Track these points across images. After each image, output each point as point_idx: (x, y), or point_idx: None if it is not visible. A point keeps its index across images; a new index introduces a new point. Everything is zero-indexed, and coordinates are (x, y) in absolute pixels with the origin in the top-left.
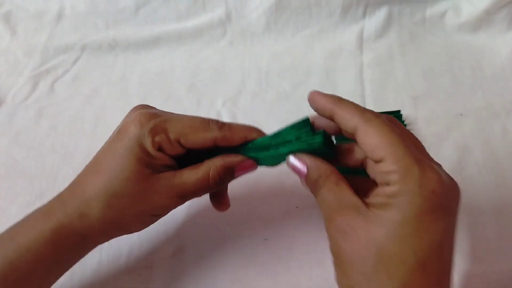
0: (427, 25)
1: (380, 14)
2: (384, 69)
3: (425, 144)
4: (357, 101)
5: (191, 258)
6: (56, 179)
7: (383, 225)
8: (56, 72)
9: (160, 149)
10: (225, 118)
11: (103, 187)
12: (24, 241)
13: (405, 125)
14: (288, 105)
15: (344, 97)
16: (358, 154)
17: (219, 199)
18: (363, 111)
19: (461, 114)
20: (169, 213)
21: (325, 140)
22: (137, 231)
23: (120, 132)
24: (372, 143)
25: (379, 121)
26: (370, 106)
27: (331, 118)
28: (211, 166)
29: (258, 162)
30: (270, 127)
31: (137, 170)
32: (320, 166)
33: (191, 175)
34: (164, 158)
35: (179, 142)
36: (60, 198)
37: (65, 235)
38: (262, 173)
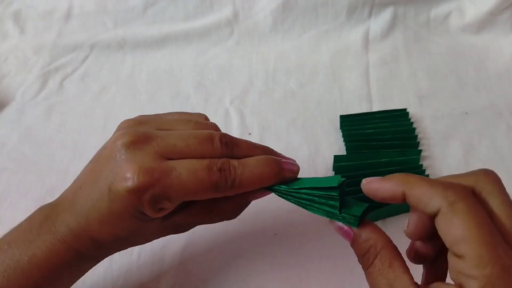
0: (432, 26)
1: (386, 15)
2: (389, 69)
3: (431, 142)
4: (363, 100)
5: (202, 252)
6: (66, 175)
7: None
8: (65, 70)
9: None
10: (233, 116)
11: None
12: (17, 258)
13: (411, 123)
14: (294, 103)
15: (350, 96)
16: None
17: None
18: (444, 188)
19: (466, 113)
20: None
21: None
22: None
23: (111, 188)
24: (456, 234)
25: (465, 205)
26: (376, 104)
27: (402, 199)
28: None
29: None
30: (277, 125)
31: (129, 223)
32: (370, 236)
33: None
34: (163, 214)
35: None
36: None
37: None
38: None
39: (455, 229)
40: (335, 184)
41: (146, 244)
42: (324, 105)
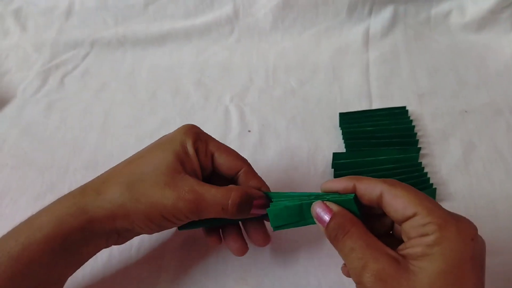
0: (432, 24)
1: (386, 13)
2: (389, 67)
3: (431, 139)
4: (363, 97)
5: (200, 248)
6: (66, 171)
7: (427, 276)
8: (65, 67)
9: (196, 153)
10: (233, 113)
11: (129, 172)
12: (37, 221)
13: (410, 120)
14: (294, 101)
15: (350, 94)
16: (388, 220)
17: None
18: (384, 180)
19: (465, 111)
20: None
21: (356, 199)
22: (142, 232)
23: (166, 135)
24: (402, 201)
25: (403, 184)
26: (376, 102)
27: (352, 191)
28: (234, 188)
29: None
30: (276, 122)
31: (170, 161)
32: (347, 214)
33: (213, 189)
34: (196, 162)
35: (212, 156)
36: (86, 185)
37: (74, 215)
38: (269, 167)
39: (400, 198)
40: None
41: (146, 238)
42: (324, 103)
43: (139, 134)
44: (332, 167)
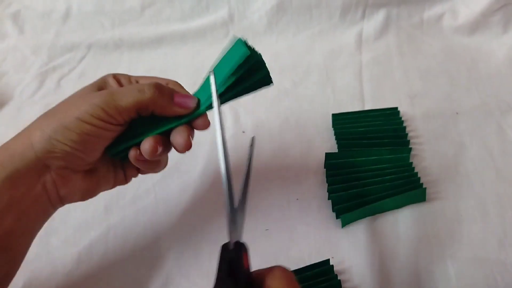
0: (425, 27)
1: (379, 16)
2: (382, 69)
3: (422, 140)
4: (356, 99)
5: (194, 246)
6: None
7: None
8: (62, 70)
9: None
10: (227, 115)
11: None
12: None
13: (402, 121)
14: (288, 101)
15: (343, 95)
16: None
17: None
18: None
19: (457, 113)
20: (173, 204)
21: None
22: (72, 159)
23: None
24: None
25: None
26: (368, 103)
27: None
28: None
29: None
30: (270, 123)
31: (88, 89)
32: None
33: (128, 88)
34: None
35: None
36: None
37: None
38: (264, 166)
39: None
40: (247, 51)
41: (141, 235)
42: (317, 104)
43: None
44: (324, 167)
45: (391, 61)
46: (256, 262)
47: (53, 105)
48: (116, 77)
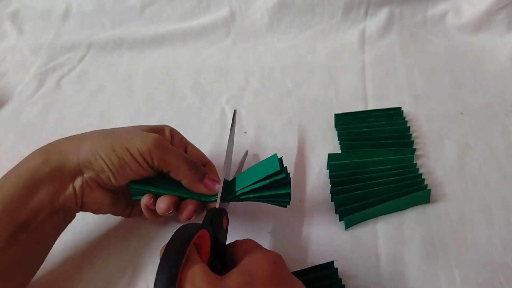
0: (428, 25)
1: (382, 15)
2: (385, 68)
3: (426, 141)
4: (359, 98)
5: None
6: None
7: (234, 283)
8: (62, 70)
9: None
10: (229, 115)
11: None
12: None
13: (406, 121)
14: (290, 102)
15: (346, 95)
16: None
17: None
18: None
19: (461, 113)
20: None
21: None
22: (103, 174)
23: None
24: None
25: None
26: (371, 103)
27: None
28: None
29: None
30: (272, 123)
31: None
32: None
33: (176, 151)
34: (170, 141)
35: (186, 147)
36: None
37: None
38: None
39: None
40: (277, 167)
41: (143, 241)
42: (319, 104)
43: None
44: (327, 168)
45: (394, 60)
46: None
47: (53, 105)
48: (172, 131)
